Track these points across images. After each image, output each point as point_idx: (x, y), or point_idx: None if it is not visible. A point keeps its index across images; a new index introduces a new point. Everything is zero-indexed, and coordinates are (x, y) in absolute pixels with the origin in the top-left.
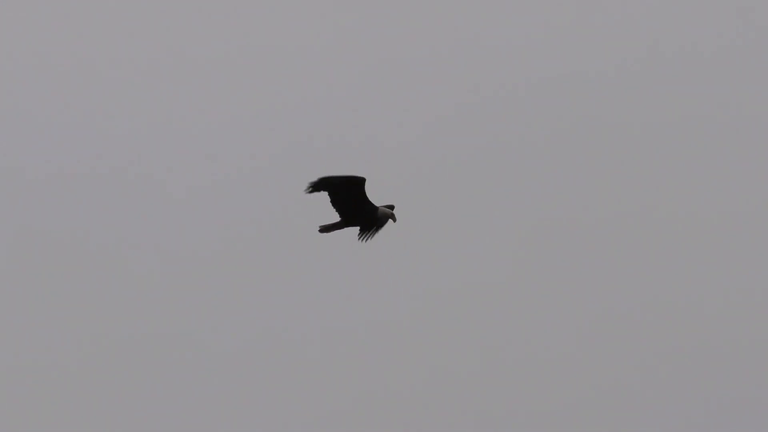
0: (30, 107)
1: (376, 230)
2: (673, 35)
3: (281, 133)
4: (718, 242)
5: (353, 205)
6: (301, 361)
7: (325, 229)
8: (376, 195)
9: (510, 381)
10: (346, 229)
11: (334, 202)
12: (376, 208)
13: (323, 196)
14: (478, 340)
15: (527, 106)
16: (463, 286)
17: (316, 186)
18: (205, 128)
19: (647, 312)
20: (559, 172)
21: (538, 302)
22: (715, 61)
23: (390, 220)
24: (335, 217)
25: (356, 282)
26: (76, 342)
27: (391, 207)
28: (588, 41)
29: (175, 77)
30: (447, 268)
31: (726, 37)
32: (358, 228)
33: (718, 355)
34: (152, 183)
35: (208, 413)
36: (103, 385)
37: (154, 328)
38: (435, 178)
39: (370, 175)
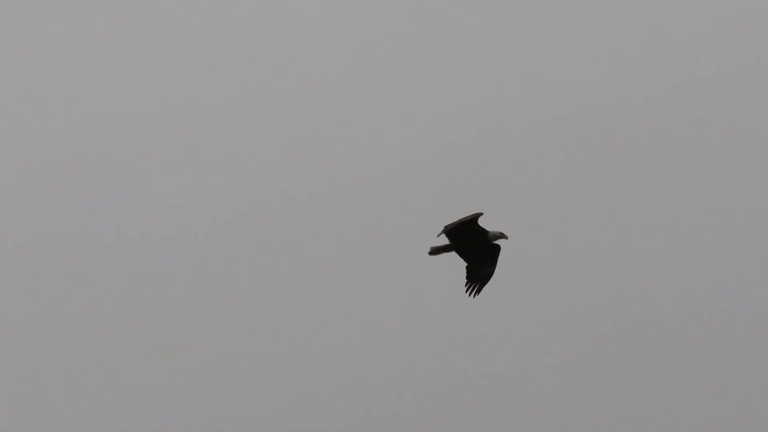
0: (29, 104)
1: (483, 282)
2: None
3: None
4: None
5: (467, 235)
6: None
7: (436, 251)
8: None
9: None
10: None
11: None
12: (486, 231)
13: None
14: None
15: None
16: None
17: (449, 232)
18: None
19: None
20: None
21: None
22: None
23: (502, 239)
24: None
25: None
26: (75, 342)
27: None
28: (597, 50)
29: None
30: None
31: None
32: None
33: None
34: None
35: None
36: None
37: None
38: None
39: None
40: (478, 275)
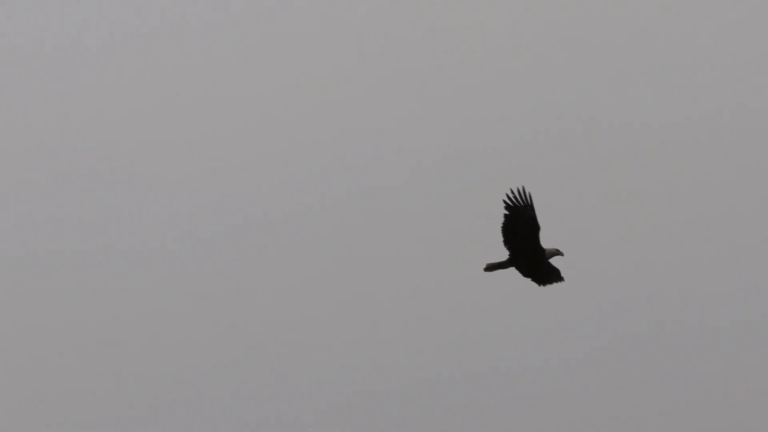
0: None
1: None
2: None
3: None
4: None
5: (526, 244)
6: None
7: (491, 267)
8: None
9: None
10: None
11: (511, 235)
12: (543, 249)
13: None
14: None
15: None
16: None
17: (523, 200)
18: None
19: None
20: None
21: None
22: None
23: (558, 256)
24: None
25: None
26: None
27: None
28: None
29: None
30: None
31: None
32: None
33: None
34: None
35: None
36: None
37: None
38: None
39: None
40: (535, 269)
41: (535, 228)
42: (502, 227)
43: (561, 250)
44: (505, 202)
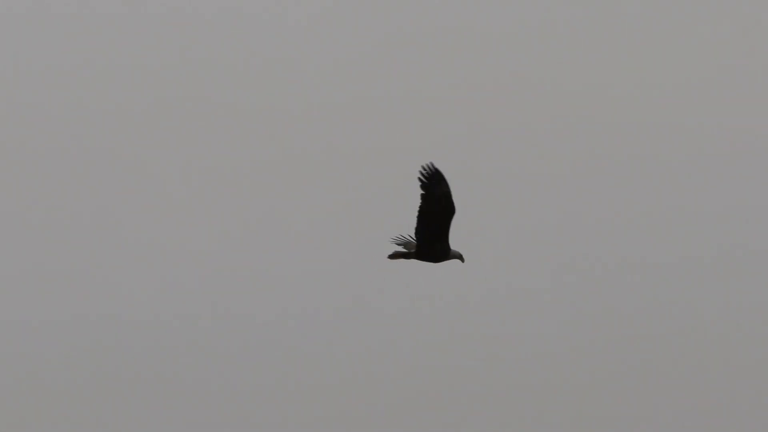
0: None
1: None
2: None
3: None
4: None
5: (437, 233)
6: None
7: (395, 256)
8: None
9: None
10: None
11: (423, 222)
12: (449, 248)
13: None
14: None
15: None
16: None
17: (432, 176)
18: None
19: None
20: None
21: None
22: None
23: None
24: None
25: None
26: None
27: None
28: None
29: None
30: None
31: None
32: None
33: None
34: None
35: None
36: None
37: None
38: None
39: None
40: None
41: (450, 211)
42: (419, 212)
43: (464, 257)
44: (420, 179)
